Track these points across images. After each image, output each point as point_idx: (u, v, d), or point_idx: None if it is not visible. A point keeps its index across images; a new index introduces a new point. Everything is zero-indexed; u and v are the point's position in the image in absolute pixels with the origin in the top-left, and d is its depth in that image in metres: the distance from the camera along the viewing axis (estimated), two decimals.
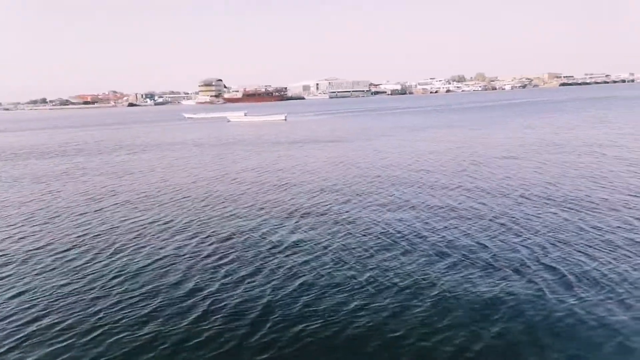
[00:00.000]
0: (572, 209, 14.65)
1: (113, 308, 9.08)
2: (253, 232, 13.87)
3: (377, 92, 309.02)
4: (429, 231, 13.21)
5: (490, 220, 13.99)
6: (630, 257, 10.53)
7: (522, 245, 11.65)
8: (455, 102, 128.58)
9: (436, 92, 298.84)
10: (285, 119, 76.22)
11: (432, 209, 15.67)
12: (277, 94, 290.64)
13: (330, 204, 16.89)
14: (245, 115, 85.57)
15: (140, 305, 9.18)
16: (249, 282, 10.16)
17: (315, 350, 7.50)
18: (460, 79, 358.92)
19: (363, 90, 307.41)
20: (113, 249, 12.66)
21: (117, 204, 18.35)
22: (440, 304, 8.75)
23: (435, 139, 38.34)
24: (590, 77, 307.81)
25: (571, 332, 7.61)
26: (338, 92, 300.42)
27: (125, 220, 15.71)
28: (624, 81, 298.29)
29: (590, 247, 11.31)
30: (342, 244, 12.41)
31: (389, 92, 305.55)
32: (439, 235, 12.85)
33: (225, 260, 11.59)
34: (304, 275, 10.42)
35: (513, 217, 14.12)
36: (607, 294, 8.83)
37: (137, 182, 23.38)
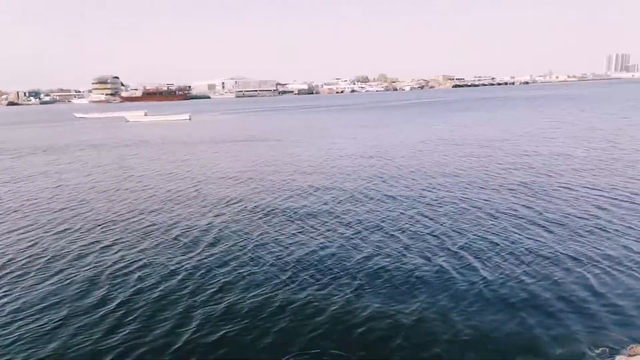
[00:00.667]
0: (469, 199, 15.90)
1: None
2: (165, 234, 13.15)
3: (284, 92, 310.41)
4: (343, 225, 13.47)
5: (402, 212, 14.65)
6: (521, 239, 11.66)
7: (431, 235, 12.36)
8: (361, 102, 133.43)
9: (342, 92, 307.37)
10: (190, 119, 73.55)
11: (344, 202, 16.04)
12: (180, 92, 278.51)
13: (244, 203, 16.56)
14: (145, 114, 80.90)
15: (46, 319, 8.23)
16: (165, 287, 9.58)
17: (239, 351, 7.28)
18: (364, 80, 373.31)
19: (270, 90, 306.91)
20: None
21: None
22: (360, 295, 8.95)
23: (345, 136, 39.41)
24: (479, 80, 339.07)
25: (480, 311, 8.20)
26: (245, 91, 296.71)
27: (11, 231, 14.04)
28: (506, 83, 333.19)
29: (487, 232, 12.34)
30: (260, 242, 12.22)
31: (296, 92, 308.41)
32: (352, 228, 13.17)
33: (137, 265, 10.82)
34: (223, 276, 10.08)
35: (419, 208, 14.92)
36: (506, 273, 9.68)
37: (25, 189, 21.01)
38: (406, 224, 13.38)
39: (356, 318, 8.08)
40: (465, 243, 11.57)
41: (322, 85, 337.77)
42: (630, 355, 6.27)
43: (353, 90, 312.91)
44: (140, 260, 11.16)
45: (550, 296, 8.59)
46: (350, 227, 13.31)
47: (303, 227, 13.38)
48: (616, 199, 15.02)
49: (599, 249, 10.74)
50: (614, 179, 17.82)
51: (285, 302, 8.73)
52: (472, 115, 60.67)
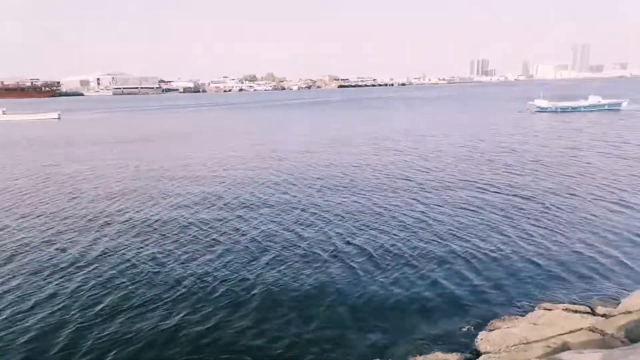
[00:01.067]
0: (365, 195, 16.84)
1: None
2: (44, 247, 11.90)
3: (168, 90, 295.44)
4: (245, 227, 13.41)
5: (302, 210, 14.99)
6: (419, 234, 12.69)
7: (333, 232, 12.85)
8: (252, 101, 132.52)
9: (229, 90, 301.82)
10: (59, 118, 66.85)
11: (241, 205, 15.94)
12: (47, 89, 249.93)
13: (131, 209, 15.62)
14: (4, 113, 71.60)
15: None
16: (51, 306, 8.72)
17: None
18: (252, 79, 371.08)
19: (153, 87, 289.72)
20: None
21: None
22: (268, 299, 9.02)
23: (235, 135, 38.89)
24: (362, 80, 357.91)
25: (384, 305, 8.77)
26: (124, 88, 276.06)
27: None
28: (386, 85, 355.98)
29: (387, 227, 13.18)
30: (158, 250, 11.66)
31: (182, 90, 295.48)
32: (253, 230, 13.16)
33: (14, 283, 9.68)
34: (120, 289, 9.47)
35: (319, 206, 15.42)
36: (408, 267, 10.47)
37: None
38: (300, 214, 13.77)
39: (268, 325, 8.19)
40: (357, 230, 12.30)
41: (209, 84, 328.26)
42: (490, 330, 7.23)
43: (241, 89, 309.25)
44: (17, 277, 9.97)
45: (421, 290, 9.45)
46: (244, 220, 13.32)
47: (205, 232, 13.05)
48: (483, 187, 17.07)
49: (466, 239, 12.12)
50: (479, 169, 20.19)
51: (188, 313, 8.49)
52: (360, 113, 64.01)
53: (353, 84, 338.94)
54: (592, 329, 6.45)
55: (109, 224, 14.13)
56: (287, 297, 9.06)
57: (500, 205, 15.05)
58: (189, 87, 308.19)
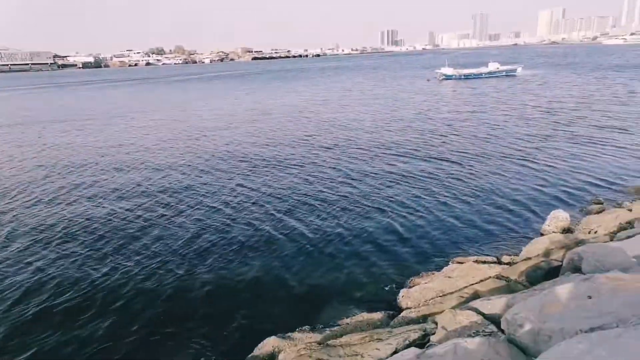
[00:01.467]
0: (290, 169, 16.82)
1: None
2: None
3: (64, 65, 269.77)
4: (162, 206, 12.88)
5: (221, 185, 14.65)
6: (340, 203, 12.93)
7: (252, 204, 12.73)
8: (162, 75, 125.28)
9: (135, 64, 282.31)
10: None
11: (164, 191, 15.25)
12: None
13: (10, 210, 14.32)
14: None
15: None
16: None
17: None
18: (160, 52, 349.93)
19: (47, 64, 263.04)
20: None
21: None
22: (193, 273, 8.80)
23: (146, 116, 36.74)
24: (276, 53, 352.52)
25: (312, 274, 8.94)
26: (11, 65, 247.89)
27: None
28: (300, 56, 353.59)
29: (309, 199, 13.30)
30: (61, 244, 10.83)
31: (80, 65, 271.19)
32: (172, 208, 12.69)
33: None
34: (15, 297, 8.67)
35: (246, 187, 15.15)
36: (333, 236, 10.68)
37: None
38: (227, 196, 13.49)
39: (194, 292, 8.03)
40: (286, 207, 12.32)
41: (111, 58, 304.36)
42: (410, 287, 7.67)
43: (148, 63, 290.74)
44: None
45: (346, 257, 9.82)
46: (170, 207, 12.82)
47: (125, 208, 12.29)
48: (400, 154, 17.80)
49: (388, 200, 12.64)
50: (396, 137, 20.99)
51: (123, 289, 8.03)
52: (279, 85, 63.21)
53: (267, 56, 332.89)
54: (498, 277, 7.10)
55: None
56: (210, 278, 8.92)
57: (415, 169, 15.83)
58: (89, 62, 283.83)
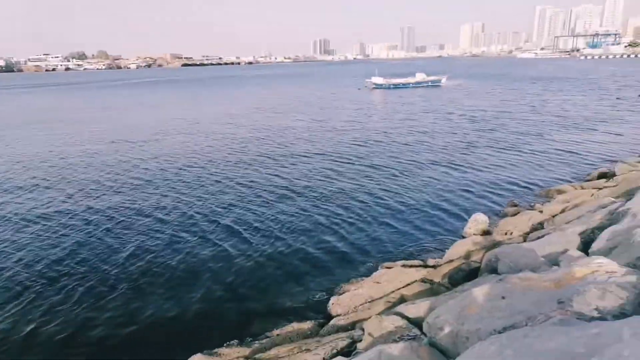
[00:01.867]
0: (219, 172, 16.36)
1: None
2: None
3: None
4: (92, 219, 12.00)
5: (158, 196, 13.93)
6: (268, 213, 12.73)
7: (198, 214, 12.21)
8: (84, 81, 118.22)
9: (54, 69, 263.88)
10: None
11: (87, 200, 14.23)
12: None
13: None
14: None
15: None
16: None
17: None
18: (81, 57, 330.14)
19: None
20: None
21: None
22: (138, 297, 8.21)
23: (60, 123, 34.42)
24: (207, 59, 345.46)
25: (241, 286, 8.66)
26: None
27: None
28: (232, 63, 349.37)
29: (236, 207, 12.98)
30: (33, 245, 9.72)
31: None
32: (98, 226, 11.86)
33: None
34: None
35: (175, 189, 14.51)
36: (260, 246, 10.45)
37: None
38: (152, 213, 12.83)
39: (113, 310, 7.48)
40: (215, 218, 11.93)
41: (25, 62, 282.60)
42: (340, 294, 7.68)
43: (68, 69, 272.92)
44: None
45: (275, 267, 9.69)
46: (97, 225, 11.96)
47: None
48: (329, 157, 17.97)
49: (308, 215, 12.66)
50: (328, 145, 21.20)
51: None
52: (209, 92, 61.78)
53: (198, 63, 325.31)
54: (424, 280, 7.30)
55: None
56: (129, 284, 8.41)
57: (345, 178, 16.04)
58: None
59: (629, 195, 8.90)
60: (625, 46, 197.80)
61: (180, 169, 17.84)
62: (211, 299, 8.22)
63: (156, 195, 14.38)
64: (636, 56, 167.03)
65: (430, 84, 60.82)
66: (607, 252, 4.82)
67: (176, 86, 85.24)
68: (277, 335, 6.73)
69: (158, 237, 10.99)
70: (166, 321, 7.53)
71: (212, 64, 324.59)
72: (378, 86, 58.93)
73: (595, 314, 3.02)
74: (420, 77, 61.12)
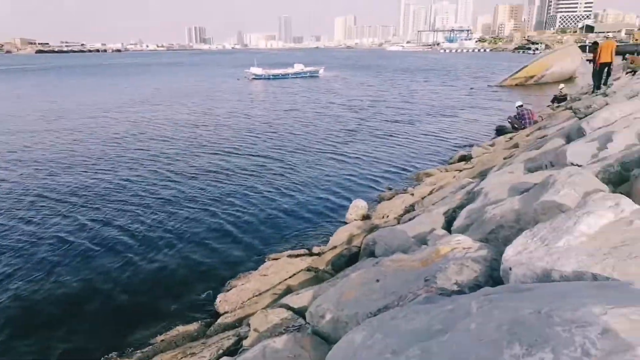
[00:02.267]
0: (97, 173, 14.87)
1: None
2: None
3: None
4: None
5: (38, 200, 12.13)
6: (151, 210, 11.91)
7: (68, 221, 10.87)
8: None
9: None
10: None
11: None
12: None
13: None
14: None
15: None
16: None
17: None
18: None
19: None
20: None
21: None
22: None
23: None
24: (67, 46, 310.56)
25: (129, 291, 7.97)
26: None
27: None
28: (97, 50, 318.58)
29: (118, 206, 11.93)
30: None
31: None
32: None
33: None
34: None
35: (52, 190, 12.79)
36: (144, 247, 9.72)
37: None
38: (26, 209, 11.21)
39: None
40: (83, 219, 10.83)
41: None
42: (227, 290, 7.54)
43: None
44: None
45: (157, 269, 9.24)
46: None
47: None
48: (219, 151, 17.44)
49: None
50: (210, 136, 20.52)
51: None
52: (76, 82, 55.66)
53: (56, 50, 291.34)
54: (309, 269, 7.50)
55: None
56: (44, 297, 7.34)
57: (227, 169, 15.74)
58: None
59: (482, 175, 10.06)
60: (476, 41, 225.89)
61: (39, 159, 15.90)
62: (85, 306, 7.52)
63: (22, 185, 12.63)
64: (485, 50, 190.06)
65: (308, 74, 62.16)
66: (465, 229, 5.40)
67: (35, 75, 75.60)
68: (161, 341, 6.40)
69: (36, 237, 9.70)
70: (33, 332, 6.70)
71: (73, 51, 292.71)
72: (258, 77, 58.62)
73: (455, 287, 3.37)
74: (298, 67, 62.14)
